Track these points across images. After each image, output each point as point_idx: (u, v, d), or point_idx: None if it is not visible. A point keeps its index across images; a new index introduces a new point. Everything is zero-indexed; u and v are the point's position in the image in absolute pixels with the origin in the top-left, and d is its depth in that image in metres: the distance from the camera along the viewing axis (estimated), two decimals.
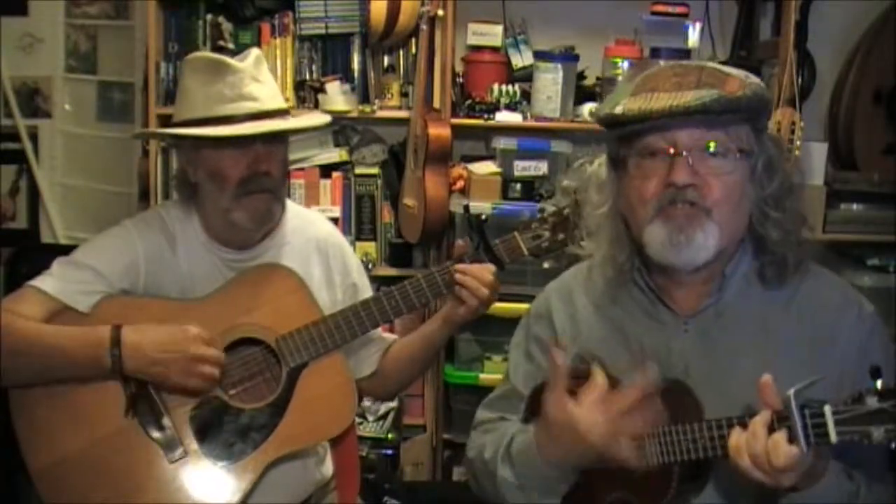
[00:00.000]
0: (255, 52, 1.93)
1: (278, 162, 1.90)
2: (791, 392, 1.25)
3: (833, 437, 1.22)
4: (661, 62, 1.55)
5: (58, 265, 1.88)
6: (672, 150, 1.44)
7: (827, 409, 1.22)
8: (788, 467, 1.26)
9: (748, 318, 1.51)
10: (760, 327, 1.50)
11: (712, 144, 1.44)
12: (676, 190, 1.44)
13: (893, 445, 1.18)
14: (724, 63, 2.77)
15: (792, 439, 1.25)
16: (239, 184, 1.85)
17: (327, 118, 2.12)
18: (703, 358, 1.51)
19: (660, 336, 1.55)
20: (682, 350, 1.52)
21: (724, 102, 1.40)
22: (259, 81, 1.88)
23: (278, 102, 1.92)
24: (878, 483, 1.41)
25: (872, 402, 1.19)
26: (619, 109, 1.46)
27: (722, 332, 1.52)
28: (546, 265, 1.94)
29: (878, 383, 1.19)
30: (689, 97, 1.41)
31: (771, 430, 1.28)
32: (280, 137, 1.91)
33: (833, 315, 1.50)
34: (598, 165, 1.61)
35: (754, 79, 1.47)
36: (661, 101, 1.42)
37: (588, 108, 2.96)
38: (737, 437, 1.31)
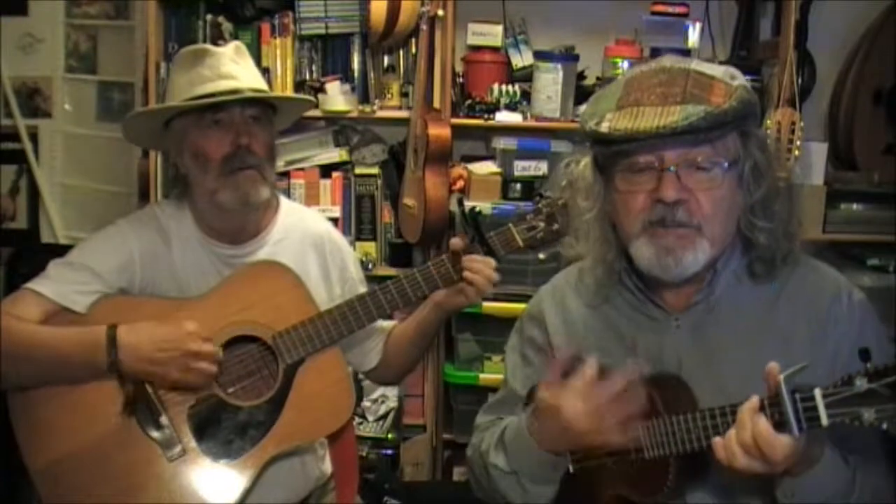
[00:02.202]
0: (236, 42, 1.96)
1: (261, 142, 1.89)
2: (781, 377, 1.24)
3: (824, 421, 1.21)
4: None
5: (53, 266, 1.88)
6: (659, 166, 1.43)
7: (817, 392, 1.22)
8: (782, 454, 1.25)
9: (739, 312, 1.51)
10: (752, 321, 1.50)
11: (700, 158, 1.43)
12: (665, 207, 1.44)
13: (885, 426, 1.17)
14: (723, 63, 2.78)
15: (784, 424, 1.24)
16: (222, 162, 1.85)
17: (311, 98, 2.13)
18: (695, 353, 1.51)
19: (652, 333, 1.55)
20: (675, 346, 1.53)
21: (711, 119, 1.39)
22: (238, 64, 1.90)
23: (259, 83, 1.94)
24: (874, 468, 1.41)
25: (862, 384, 1.19)
26: (604, 127, 1.44)
27: (713, 328, 1.52)
28: (544, 259, 1.92)
29: (868, 365, 1.19)
30: (675, 116, 1.39)
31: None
32: (263, 119, 1.91)
33: (824, 305, 1.49)
34: (583, 167, 1.60)
35: (740, 80, 1.45)
36: (647, 119, 1.41)
37: None
38: (723, 440, 1.31)
